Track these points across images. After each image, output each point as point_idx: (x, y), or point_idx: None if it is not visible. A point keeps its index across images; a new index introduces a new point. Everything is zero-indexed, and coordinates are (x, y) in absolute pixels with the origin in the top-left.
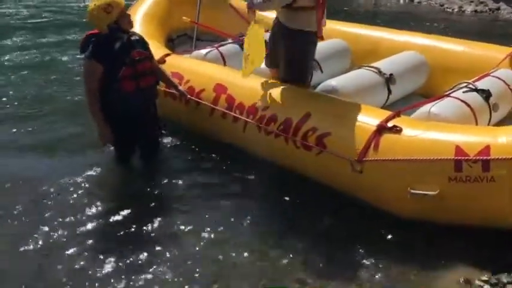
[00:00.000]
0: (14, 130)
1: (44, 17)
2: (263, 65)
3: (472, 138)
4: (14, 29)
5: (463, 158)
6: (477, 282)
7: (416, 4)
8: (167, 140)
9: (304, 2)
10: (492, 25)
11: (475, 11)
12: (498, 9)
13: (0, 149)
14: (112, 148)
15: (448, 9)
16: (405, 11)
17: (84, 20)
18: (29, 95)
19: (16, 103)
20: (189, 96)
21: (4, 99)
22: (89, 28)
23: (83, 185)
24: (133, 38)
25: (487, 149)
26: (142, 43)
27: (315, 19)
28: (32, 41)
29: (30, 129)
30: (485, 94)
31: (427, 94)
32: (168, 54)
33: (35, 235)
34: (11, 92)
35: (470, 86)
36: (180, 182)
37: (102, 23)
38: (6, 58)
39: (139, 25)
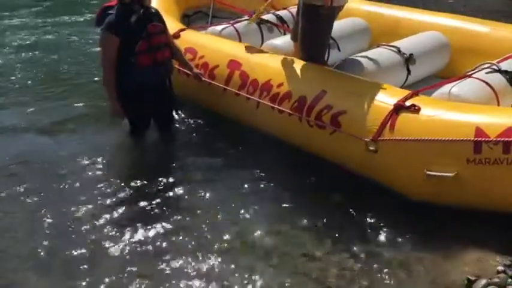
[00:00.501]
0: (28, 109)
1: None
2: (284, 40)
3: (493, 119)
4: (22, 7)
5: (483, 139)
6: (491, 262)
7: None
8: (182, 116)
9: None
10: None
11: None
12: None
13: (15, 129)
14: (126, 122)
15: None
16: None
17: None
18: (41, 73)
19: (29, 82)
20: (203, 78)
21: (15, 78)
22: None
23: (98, 160)
24: (149, 10)
25: (508, 130)
26: (158, 16)
27: None
28: (42, 18)
29: (44, 108)
30: (509, 75)
31: (448, 76)
32: (183, 29)
33: (50, 212)
34: (22, 72)
35: (494, 66)
36: (193, 158)
37: None
38: (16, 37)
39: (155, 1)
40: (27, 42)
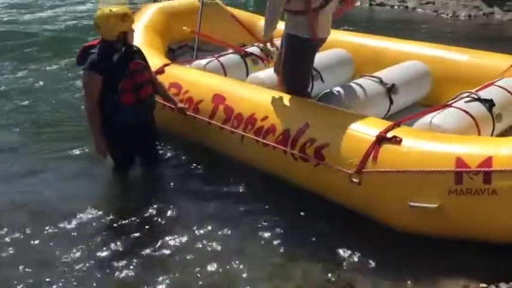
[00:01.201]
0: (12, 152)
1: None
2: (268, 73)
3: (473, 149)
4: None
5: (463, 169)
6: None
7: (411, 11)
8: (166, 150)
9: (295, 6)
10: (486, 29)
11: (469, 15)
12: (492, 13)
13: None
14: (110, 159)
15: (442, 15)
16: (400, 18)
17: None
18: (22, 117)
19: (11, 124)
20: (188, 112)
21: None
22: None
23: (81, 196)
24: (131, 49)
25: (488, 160)
26: (140, 54)
27: (309, 24)
28: (19, 62)
29: (27, 150)
30: (489, 104)
31: (430, 104)
32: (167, 64)
33: (33, 246)
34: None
35: (473, 95)
36: (178, 192)
37: (114, 30)
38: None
39: (140, 35)
40: (5, 89)
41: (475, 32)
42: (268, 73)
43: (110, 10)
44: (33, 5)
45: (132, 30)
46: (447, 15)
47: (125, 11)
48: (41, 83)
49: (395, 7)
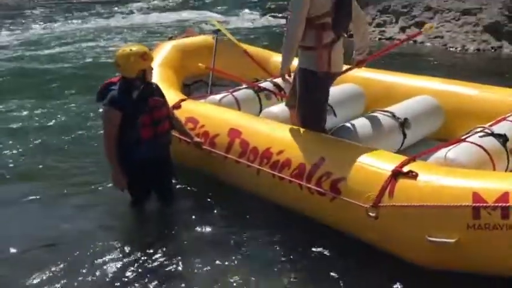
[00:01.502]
0: (30, 184)
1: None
2: (282, 107)
3: (489, 184)
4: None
5: (481, 204)
6: None
7: (420, 44)
8: (182, 184)
9: (308, 42)
10: (495, 63)
11: (478, 49)
12: (501, 47)
13: (18, 203)
14: (127, 193)
15: (451, 49)
16: (409, 52)
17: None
18: (44, 151)
19: (36, 162)
20: (204, 146)
21: (17, 160)
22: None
23: (97, 229)
24: (150, 86)
25: (505, 195)
26: (158, 90)
27: (322, 59)
28: (39, 100)
29: (47, 182)
30: (502, 139)
31: (442, 138)
32: (183, 100)
33: (50, 278)
34: (23, 154)
35: (487, 130)
36: (193, 227)
37: (134, 68)
38: (15, 120)
39: (156, 72)
40: (26, 125)
41: (484, 65)
42: (281, 107)
43: (130, 49)
44: (50, 42)
45: (151, 68)
46: (456, 48)
47: (144, 50)
48: (61, 118)
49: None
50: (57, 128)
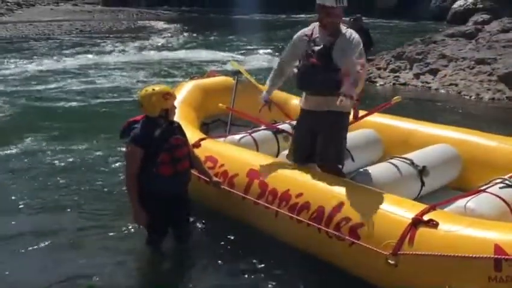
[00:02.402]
0: (48, 220)
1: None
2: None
3: (510, 236)
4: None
5: (502, 257)
6: None
7: (434, 91)
8: (199, 223)
9: None
10: (510, 113)
11: (493, 98)
12: None
13: (32, 238)
14: (145, 232)
15: (466, 96)
16: (423, 98)
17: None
18: (65, 190)
19: (57, 200)
20: (222, 186)
21: (36, 201)
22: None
23: (112, 267)
24: (172, 125)
25: None
26: (180, 129)
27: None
28: (57, 141)
29: (64, 221)
30: None
31: (460, 188)
32: (203, 139)
33: None
34: (42, 195)
35: (507, 181)
36: (209, 268)
37: (156, 107)
38: (31, 161)
39: (177, 110)
40: (45, 165)
41: (498, 115)
42: None
43: (153, 89)
44: (65, 77)
45: (174, 107)
46: (470, 97)
47: (167, 90)
48: (78, 155)
49: (418, 87)
50: (74, 165)
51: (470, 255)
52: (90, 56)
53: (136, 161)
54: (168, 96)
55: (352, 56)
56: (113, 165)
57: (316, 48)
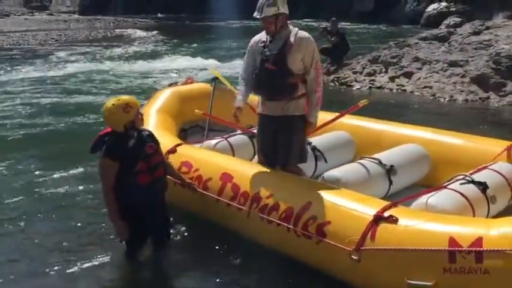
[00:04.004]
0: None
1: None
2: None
3: (465, 229)
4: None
5: (456, 249)
6: None
7: (409, 94)
8: (177, 227)
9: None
10: (483, 113)
11: (466, 100)
12: (488, 98)
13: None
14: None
15: (440, 99)
16: (398, 101)
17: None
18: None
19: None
20: (196, 188)
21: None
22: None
23: (90, 278)
24: (143, 133)
25: (479, 240)
26: (152, 137)
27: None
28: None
29: (41, 240)
30: (482, 186)
31: (429, 185)
32: (179, 144)
33: None
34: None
35: (468, 178)
36: (188, 273)
37: (119, 122)
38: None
39: (154, 117)
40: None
41: (471, 116)
42: None
43: (112, 104)
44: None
45: (139, 116)
46: (444, 99)
47: (126, 101)
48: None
49: (394, 90)
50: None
51: (426, 248)
52: (65, 65)
53: (112, 174)
54: (129, 108)
55: (308, 62)
56: (84, 182)
57: (270, 53)
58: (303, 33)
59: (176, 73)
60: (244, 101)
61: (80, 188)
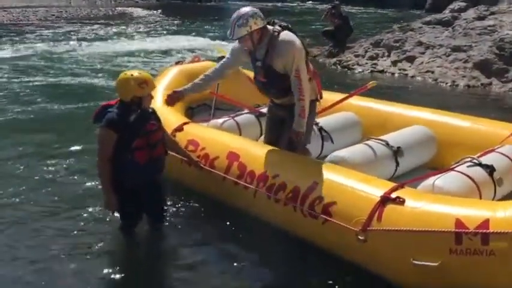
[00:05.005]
0: (26, 209)
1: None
2: None
3: (471, 211)
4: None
5: (463, 230)
6: None
7: (411, 78)
8: (174, 207)
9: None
10: (484, 99)
11: (468, 85)
12: (490, 84)
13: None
14: (118, 217)
15: (442, 84)
16: (400, 85)
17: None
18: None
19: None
20: (202, 165)
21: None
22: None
23: (86, 253)
24: (147, 111)
25: (486, 222)
26: (154, 115)
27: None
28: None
29: (38, 204)
30: (490, 169)
31: (435, 167)
32: (186, 123)
33: None
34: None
35: (475, 160)
36: (183, 251)
37: (129, 93)
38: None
39: (160, 96)
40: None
41: (473, 101)
42: None
43: (132, 74)
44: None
45: (150, 96)
46: (446, 84)
47: (144, 78)
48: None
49: (396, 74)
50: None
51: (433, 229)
52: (67, 43)
53: (110, 145)
54: (144, 85)
55: (289, 70)
56: (85, 151)
57: (259, 64)
58: (285, 37)
59: (180, 53)
60: (188, 92)
61: (77, 167)
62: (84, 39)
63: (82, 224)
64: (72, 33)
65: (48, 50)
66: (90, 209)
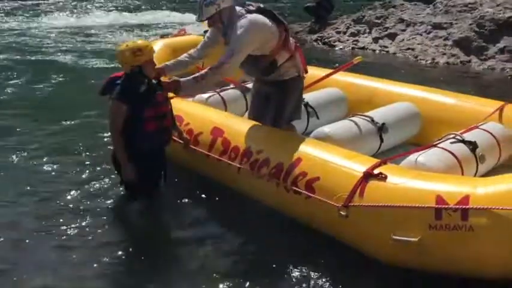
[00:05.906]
0: (36, 185)
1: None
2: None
3: (452, 187)
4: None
5: (442, 206)
6: None
7: (392, 55)
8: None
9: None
10: (463, 76)
11: (447, 63)
12: (469, 61)
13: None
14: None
15: (422, 61)
16: (381, 62)
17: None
18: (48, 144)
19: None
20: (191, 145)
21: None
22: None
23: (106, 226)
24: (153, 81)
25: (466, 198)
26: (161, 87)
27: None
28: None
29: (61, 177)
30: (472, 145)
31: (419, 143)
32: (170, 98)
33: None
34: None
35: (458, 137)
36: (179, 225)
37: (127, 63)
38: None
39: None
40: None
41: (453, 78)
42: None
43: (126, 45)
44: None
45: (150, 63)
46: (426, 61)
47: (138, 46)
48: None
49: (377, 51)
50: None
51: (413, 205)
52: (50, 17)
53: (122, 117)
54: (139, 53)
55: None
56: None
57: None
58: (244, 20)
59: (166, 26)
60: (169, 71)
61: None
62: (59, 15)
63: (90, 198)
64: (53, 6)
65: (30, 25)
66: (100, 183)
